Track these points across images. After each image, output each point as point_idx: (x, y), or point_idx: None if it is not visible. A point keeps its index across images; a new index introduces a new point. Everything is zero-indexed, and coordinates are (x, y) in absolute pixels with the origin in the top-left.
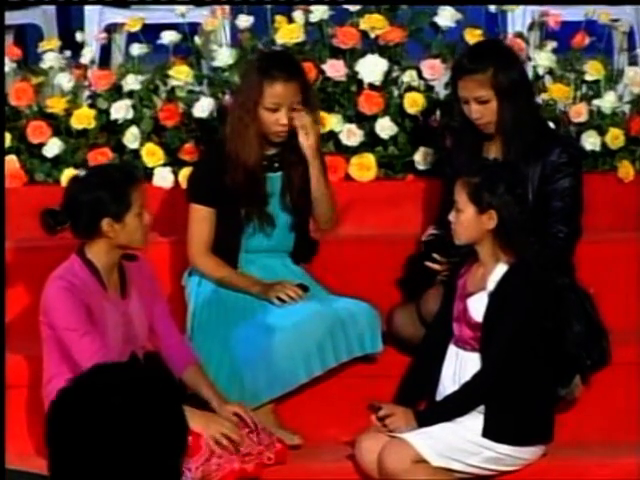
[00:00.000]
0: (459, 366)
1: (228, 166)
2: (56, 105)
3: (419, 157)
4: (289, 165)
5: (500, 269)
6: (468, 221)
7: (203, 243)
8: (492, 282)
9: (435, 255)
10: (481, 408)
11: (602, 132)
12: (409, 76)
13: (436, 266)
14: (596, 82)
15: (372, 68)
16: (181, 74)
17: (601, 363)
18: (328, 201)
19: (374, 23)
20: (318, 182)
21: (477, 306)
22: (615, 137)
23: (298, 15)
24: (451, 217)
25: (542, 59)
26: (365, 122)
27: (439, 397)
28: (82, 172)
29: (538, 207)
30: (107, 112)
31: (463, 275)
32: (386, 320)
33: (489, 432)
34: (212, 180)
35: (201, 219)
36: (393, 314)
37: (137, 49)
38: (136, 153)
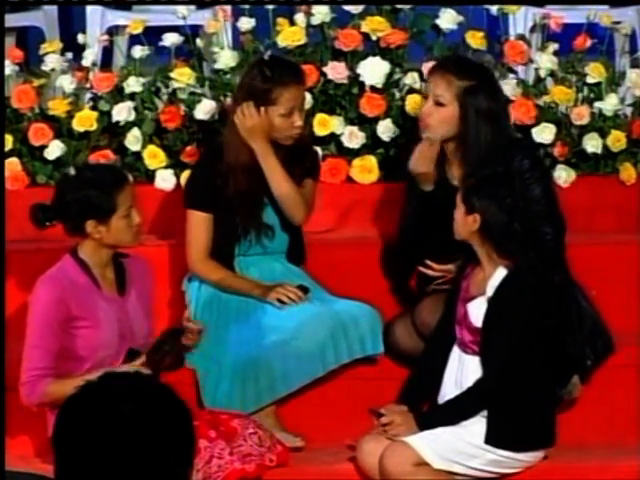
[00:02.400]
0: (461, 369)
1: (231, 175)
2: (58, 107)
3: None
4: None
5: (499, 274)
6: (458, 220)
7: (201, 248)
8: (491, 287)
9: (427, 261)
10: (483, 411)
11: (604, 134)
12: (411, 78)
13: (429, 271)
14: (598, 84)
15: (374, 70)
16: (183, 76)
17: (604, 355)
18: (291, 202)
19: (376, 25)
20: (273, 182)
21: (477, 311)
22: (617, 139)
23: (300, 17)
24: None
25: (544, 61)
26: (367, 124)
27: (441, 399)
28: (72, 170)
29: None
30: (109, 114)
31: (467, 276)
32: (384, 332)
33: (492, 439)
34: (209, 186)
35: (199, 225)
36: (391, 327)
37: (139, 51)
38: (138, 155)
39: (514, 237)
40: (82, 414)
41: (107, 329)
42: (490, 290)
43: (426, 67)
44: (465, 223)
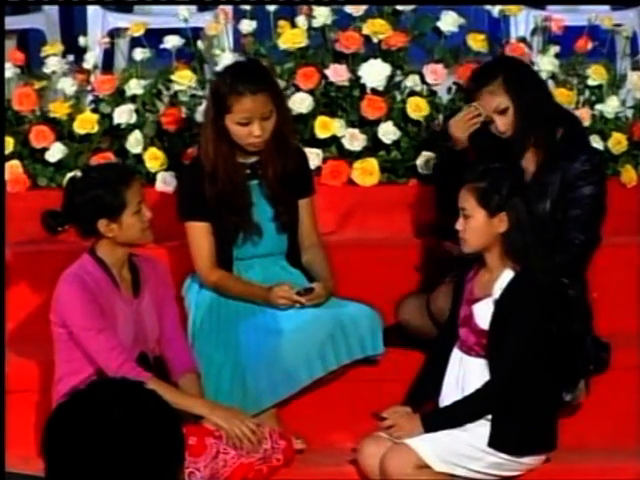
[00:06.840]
0: (462, 371)
1: (209, 180)
2: (59, 110)
3: (422, 162)
4: (265, 172)
5: (506, 276)
6: (479, 226)
7: (208, 258)
8: (498, 289)
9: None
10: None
11: (605, 137)
12: (412, 81)
13: (451, 246)
14: (599, 87)
15: (375, 73)
16: (184, 79)
17: (603, 365)
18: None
19: (377, 28)
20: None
21: (482, 313)
22: (618, 142)
23: (301, 20)
24: (458, 225)
25: (545, 64)
26: (368, 127)
27: (441, 401)
28: (79, 173)
29: (555, 214)
30: (110, 117)
31: (470, 279)
32: (395, 310)
33: (495, 442)
34: (198, 194)
35: (198, 235)
36: (402, 304)
37: (140, 54)
38: (139, 158)
39: (535, 230)
40: (71, 420)
41: (123, 331)
42: (497, 292)
43: (427, 69)
44: (489, 227)
